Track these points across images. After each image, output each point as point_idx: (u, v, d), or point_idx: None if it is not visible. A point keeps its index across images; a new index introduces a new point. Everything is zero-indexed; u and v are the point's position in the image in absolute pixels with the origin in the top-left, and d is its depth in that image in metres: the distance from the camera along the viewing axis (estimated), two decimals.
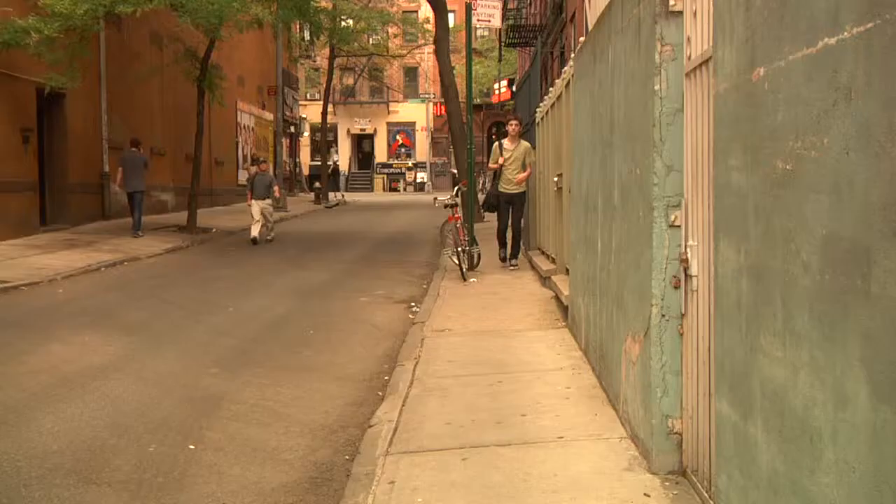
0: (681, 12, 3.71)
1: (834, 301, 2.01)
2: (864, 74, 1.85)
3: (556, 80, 9.67)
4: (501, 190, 11.46)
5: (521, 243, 12.26)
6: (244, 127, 32.05)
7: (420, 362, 6.26)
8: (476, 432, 4.57)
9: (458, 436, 4.43)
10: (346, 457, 4.56)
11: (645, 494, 3.59)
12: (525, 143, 11.58)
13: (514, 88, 32.39)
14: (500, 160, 11.37)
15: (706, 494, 3.37)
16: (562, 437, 4.41)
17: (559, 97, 9.10)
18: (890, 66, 1.73)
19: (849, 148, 1.92)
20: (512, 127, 11.61)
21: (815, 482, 2.13)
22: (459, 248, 11.12)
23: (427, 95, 51.43)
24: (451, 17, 24.01)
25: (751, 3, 2.57)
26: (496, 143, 11.67)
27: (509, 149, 11.39)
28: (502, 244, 11.92)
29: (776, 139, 2.38)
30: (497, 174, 11.57)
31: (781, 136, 2.34)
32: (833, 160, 2.01)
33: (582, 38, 7.02)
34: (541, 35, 27.34)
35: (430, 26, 25.17)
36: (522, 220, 12.24)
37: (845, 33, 1.92)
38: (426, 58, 45.87)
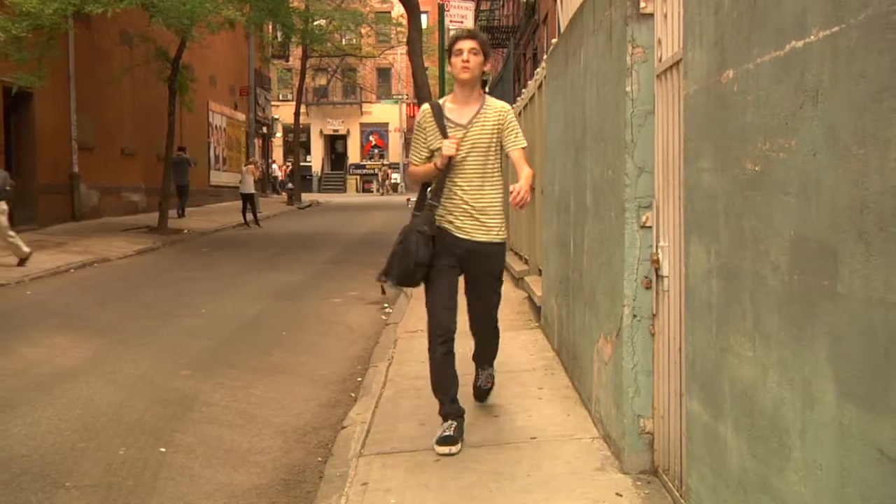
0: (651, 14, 3.73)
1: (802, 301, 2.03)
2: (830, 77, 1.87)
3: (529, 82, 9.71)
4: (446, 225, 4.45)
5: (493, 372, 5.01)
6: (216, 127, 31.86)
7: (393, 363, 6.25)
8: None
9: (431, 436, 4.42)
10: (319, 458, 4.54)
11: (617, 494, 3.61)
12: (498, 105, 4.56)
13: (486, 90, 32.42)
14: (451, 149, 4.36)
15: (677, 493, 3.39)
16: (535, 438, 4.42)
17: (532, 98, 9.13)
18: (854, 69, 1.76)
19: (816, 150, 1.95)
20: (468, 55, 4.43)
21: (783, 480, 2.15)
22: None
23: (400, 96, 51.42)
24: (423, 18, 24.00)
25: (720, 6, 2.60)
26: (425, 108, 4.64)
27: (459, 121, 4.47)
28: (442, 381, 4.45)
29: (745, 141, 2.40)
30: (430, 187, 4.54)
31: (750, 137, 2.36)
32: (801, 162, 2.03)
33: (554, 40, 7.05)
34: (513, 36, 27.43)
35: (404, 23, 25.16)
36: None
37: (812, 37, 1.95)
38: (399, 59, 45.88)
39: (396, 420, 4.83)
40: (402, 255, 4.34)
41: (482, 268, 4.47)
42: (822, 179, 1.92)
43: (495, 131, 4.43)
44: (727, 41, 2.55)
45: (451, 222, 4.40)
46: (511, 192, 4.05)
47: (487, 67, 4.57)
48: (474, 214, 4.38)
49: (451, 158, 4.34)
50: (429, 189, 4.49)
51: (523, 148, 4.48)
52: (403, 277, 4.39)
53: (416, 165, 4.58)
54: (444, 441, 4.24)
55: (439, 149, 4.39)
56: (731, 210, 2.53)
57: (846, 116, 1.80)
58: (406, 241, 4.33)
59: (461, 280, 4.51)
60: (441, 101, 4.58)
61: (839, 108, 1.83)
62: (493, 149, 4.44)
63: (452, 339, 4.40)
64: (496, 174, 4.46)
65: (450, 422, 4.33)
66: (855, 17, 1.75)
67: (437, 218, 4.40)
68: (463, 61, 4.41)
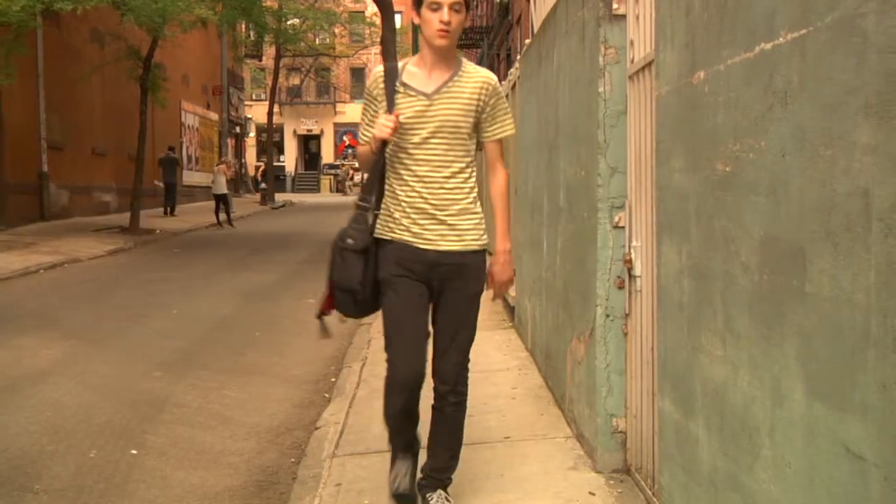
0: (624, 16, 3.75)
1: (771, 301, 2.05)
2: (798, 79, 1.89)
3: (503, 82, 9.72)
4: (401, 234, 3.29)
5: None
6: (189, 127, 31.64)
7: (367, 364, 6.23)
8: (423, 433, 4.56)
9: None
10: (293, 459, 4.53)
11: (590, 493, 3.63)
12: (481, 74, 3.37)
13: None
14: (385, 129, 3.17)
15: (650, 492, 3.41)
16: (508, 438, 4.43)
17: (505, 98, 9.14)
18: (822, 72, 1.78)
19: (785, 151, 1.97)
20: (448, 13, 3.13)
21: (753, 478, 2.17)
22: None
23: None
24: (397, 17, 23.97)
25: (691, 8, 2.62)
26: (377, 72, 3.41)
27: (422, 89, 3.27)
28: (400, 431, 3.50)
29: (716, 141, 2.42)
30: (378, 176, 3.34)
31: (721, 138, 2.38)
32: (770, 163, 2.05)
33: (528, 41, 7.07)
34: (487, 37, 27.47)
35: (378, 22, 25.08)
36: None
37: (781, 39, 1.97)
38: (373, 58, 45.81)
39: (370, 420, 4.82)
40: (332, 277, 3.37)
41: (449, 286, 3.30)
42: (791, 180, 1.94)
43: (472, 109, 3.27)
44: (698, 43, 2.57)
45: (407, 228, 3.24)
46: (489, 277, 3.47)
47: (467, 23, 3.38)
48: (437, 216, 3.23)
49: (384, 142, 3.22)
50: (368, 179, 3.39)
51: (501, 139, 3.43)
52: (338, 306, 3.39)
53: (361, 144, 3.42)
54: (399, 499, 3.47)
55: (386, 123, 3.19)
56: (703, 210, 2.55)
57: (814, 118, 1.82)
58: (337, 261, 3.34)
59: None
60: (402, 64, 3.34)
61: (807, 110, 1.85)
62: (466, 131, 3.26)
63: (420, 387, 3.31)
64: (469, 165, 3.30)
65: (400, 463, 3.49)
66: (822, 20, 1.77)
67: (387, 221, 3.29)
68: (442, 22, 3.14)
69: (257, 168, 43.19)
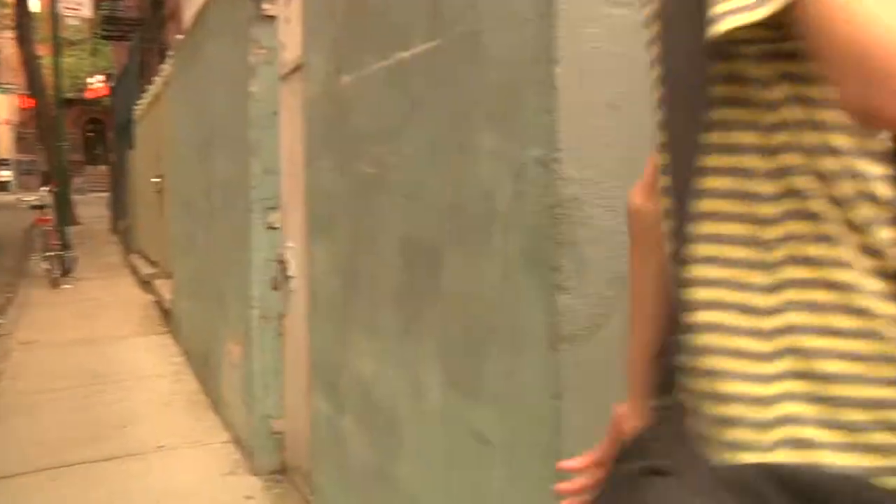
0: (275, 17, 3.76)
1: (413, 298, 2.16)
2: (431, 88, 2.01)
3: (156, 78, 9.32)
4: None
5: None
6: None
7: (6, 378, 5.69)
8: (71, 450, 4.25)
9: (51, 455, 4.10)
10: None
11: (247, 497, 3.59)
12: None
13: (112, 84, 30.63)
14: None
15: (307, 489, 3.45)
16: (162, 447, 4.26)
17: (158, 96, 8.78)
18: (451, 82, 1.90)
19: (422, 155, 2.08)
20: None
21: (399, 468, 2.27)
22: (51, 254, 10.34)
23: (10, 86, 46.80)
24: (35, 1, 22.03)
25: (334, 13, 2.68)
26: None
27: None
28: None
29: (362, 144, 2.50)
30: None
31: (367, 141, 2.46)
32: (409, 166, 2.16)
33: (181, 37, 6.83)
34: (140, 29, 26.15)
35: (10, 2, 22.89)
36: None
37: (415, 49, 2.08)
38: (6, 44, 41.75)
39: (9, 441, 4.41)
40: None
41: None
42: (428, 183, 2.05)
43: None
44: (343, 48, 2.63)
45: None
46: None
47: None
48: None
49: None
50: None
51: None
52: None
53: None
54: None
55: None
56: (351, 211, 2.62)
57: (445, 125, 1.94)
58: None
59: None
60: None
61: (440, 117, 1.97)
62: None
63: None
64: None
65: None
66: (451, 32, 1.89)
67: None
68: None
69: None
